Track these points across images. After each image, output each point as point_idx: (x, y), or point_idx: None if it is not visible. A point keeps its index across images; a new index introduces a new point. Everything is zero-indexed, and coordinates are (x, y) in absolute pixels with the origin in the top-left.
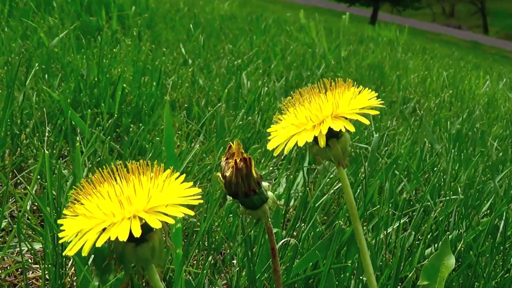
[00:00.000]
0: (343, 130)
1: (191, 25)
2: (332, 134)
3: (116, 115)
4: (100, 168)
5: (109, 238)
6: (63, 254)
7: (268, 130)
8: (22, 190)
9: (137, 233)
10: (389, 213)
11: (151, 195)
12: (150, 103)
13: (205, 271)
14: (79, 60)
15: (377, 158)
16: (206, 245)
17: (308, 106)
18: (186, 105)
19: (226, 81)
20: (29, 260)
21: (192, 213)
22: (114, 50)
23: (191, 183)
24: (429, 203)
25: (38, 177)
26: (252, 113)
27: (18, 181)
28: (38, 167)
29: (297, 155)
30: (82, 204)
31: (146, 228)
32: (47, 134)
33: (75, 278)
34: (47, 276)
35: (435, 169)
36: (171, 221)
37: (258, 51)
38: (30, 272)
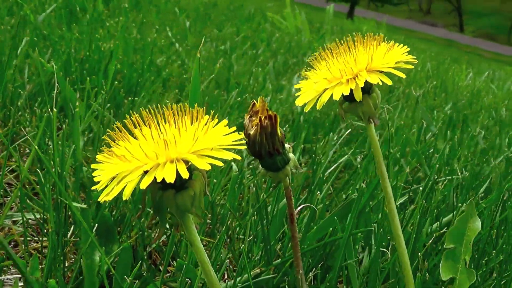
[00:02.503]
0: (380, 83)
1: (176, 9)
2: (363, 90)
3: (112, 88)
4: (137, 112)
5: (152, 182)
6: (99, 200)
7: (296, 87)
8: (15, 163)
9: (185, 174)
10: (396, 186)
11: (197, 137)
12: (145, 77)
13: (222, 239)
14: (67, 38)
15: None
16: (210, 217)
17: (342, 60)
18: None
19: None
20: (28, 230)
21: (239, 157)
22: (107, 24)
23: (234, 128)
24: (434, 178)
25: (29, 151)
26: (244, 94)
27: (10, 155)
28: (42, 128)
29: (293, 133)
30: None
31: None
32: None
33: (75, 250)
34: (46, 250)
35: (431, 150)
36: (219, 163)
37: (245, 37)
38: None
